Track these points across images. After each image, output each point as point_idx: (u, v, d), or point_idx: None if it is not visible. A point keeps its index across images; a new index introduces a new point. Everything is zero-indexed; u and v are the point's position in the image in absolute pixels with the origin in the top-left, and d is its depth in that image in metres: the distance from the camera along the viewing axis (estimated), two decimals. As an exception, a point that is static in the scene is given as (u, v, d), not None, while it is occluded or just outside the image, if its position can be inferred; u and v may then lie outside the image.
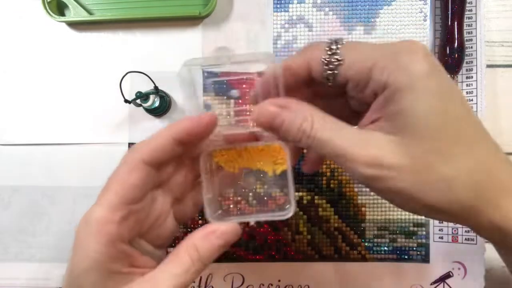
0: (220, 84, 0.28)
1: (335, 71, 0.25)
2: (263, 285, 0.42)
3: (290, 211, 0.27)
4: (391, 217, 0.42)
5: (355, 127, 0.25)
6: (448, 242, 0.41)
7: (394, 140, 0.22)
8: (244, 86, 0.29)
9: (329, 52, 0.25)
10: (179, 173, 0.28)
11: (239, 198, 0.28)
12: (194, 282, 0.42)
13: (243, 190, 0.31)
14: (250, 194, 0.35)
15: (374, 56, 0.23)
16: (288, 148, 0.27)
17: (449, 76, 0.23)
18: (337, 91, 0.26)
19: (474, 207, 0.22)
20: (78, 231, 0.24)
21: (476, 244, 0.41)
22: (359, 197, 0.42)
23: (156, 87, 0.40)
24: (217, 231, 0.25)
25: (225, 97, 0.27)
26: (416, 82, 0.22)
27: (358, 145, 0.23)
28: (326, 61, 0.25)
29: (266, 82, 0.26)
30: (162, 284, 0.24)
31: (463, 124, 0.22)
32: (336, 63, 0.24)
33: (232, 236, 0.26)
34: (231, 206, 0.31)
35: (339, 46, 0.24)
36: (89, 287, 0.23)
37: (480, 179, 0.22)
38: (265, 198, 0.33)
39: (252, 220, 0.28)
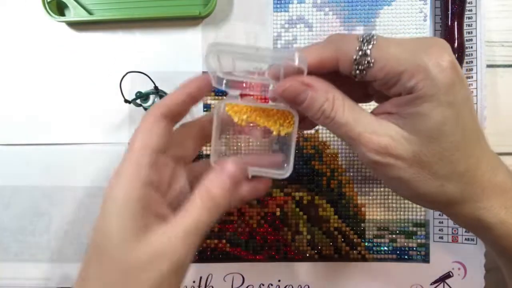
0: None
1: (364, 72, 0.25)
2: (263, 285, 0.42)
3: (287, 171, 0.29)
4: (391, 217, 0.42)
5: (370, 114, 0.26)
6: (448, 242, 0.42)
7: (405, 136, 0.25)
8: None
9: (360, 53, 0.25)
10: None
11: (243, 150, 0.29)
12: (194, 282, 0.42)
13: (248, 143, 0.33)
14: (253, 148, 0.37)
15: (405, 62, 0.24)
16: (297, 114, 0.28)
17: (467, 85, 0.25)
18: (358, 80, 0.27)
19: (458, 202, 0.26)
20: (116, 172, 0.26)
21: (476, 244, 0.41)
22: (359, 197, 0.42)
23: (156, 87, 0.40)
24: (225, 170, 0.27)
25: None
26: (438, 94, 0.24)
27: (372, 132, 0.25)
28: (356, 61, 0.25)
29: (289, 66, 0.26)
30: (176, 225, 0.25)
31: (467, 133, 0.25)
32: (366, 65, 0.25)
33: (239, 173, 0.27)
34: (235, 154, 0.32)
35: (370, 46, 0.25)
36: (120, 227, 0.24)
37: (468, 181, 0.25)
38: (267, 155, 0.35)
39: (252, 172, 0.29)
